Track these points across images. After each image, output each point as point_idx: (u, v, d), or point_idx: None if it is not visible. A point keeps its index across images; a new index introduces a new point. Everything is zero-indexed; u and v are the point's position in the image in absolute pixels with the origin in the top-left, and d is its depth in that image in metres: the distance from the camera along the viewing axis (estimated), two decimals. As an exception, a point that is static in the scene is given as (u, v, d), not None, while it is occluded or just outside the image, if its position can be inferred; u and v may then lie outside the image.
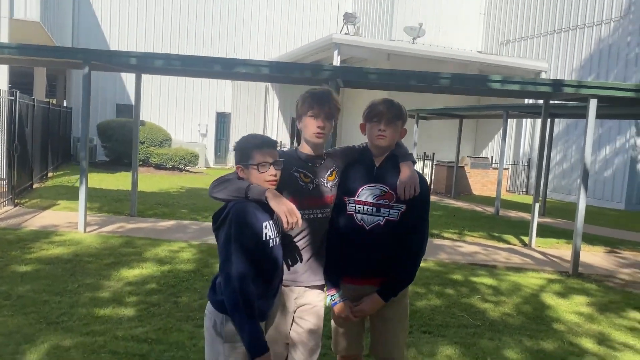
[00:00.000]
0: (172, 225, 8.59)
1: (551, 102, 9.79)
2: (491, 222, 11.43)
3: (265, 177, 2.18)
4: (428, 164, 17.42)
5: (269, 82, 19.84)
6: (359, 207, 2.46)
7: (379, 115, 2.46)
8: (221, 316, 2.13)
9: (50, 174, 14.61)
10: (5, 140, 9.26)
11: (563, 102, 10.56)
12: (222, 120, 23.66)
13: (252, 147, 2.20)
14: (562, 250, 8.69)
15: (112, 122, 18.80)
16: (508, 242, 9.05)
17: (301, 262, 2.42)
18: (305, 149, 2.46)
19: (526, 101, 16.23)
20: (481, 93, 12.77)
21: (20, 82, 23.05)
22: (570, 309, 5.43)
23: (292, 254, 2.40)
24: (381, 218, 2.44)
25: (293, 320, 2.44)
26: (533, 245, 8.81)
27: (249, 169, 2.20)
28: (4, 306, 4.44)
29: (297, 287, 2.43)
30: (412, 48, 17.66)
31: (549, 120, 12.35)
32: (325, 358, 3.45)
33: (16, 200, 9.44)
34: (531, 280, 6.52)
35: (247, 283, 2.06)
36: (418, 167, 15.39)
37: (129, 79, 21.13)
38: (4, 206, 9.05)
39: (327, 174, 2.46)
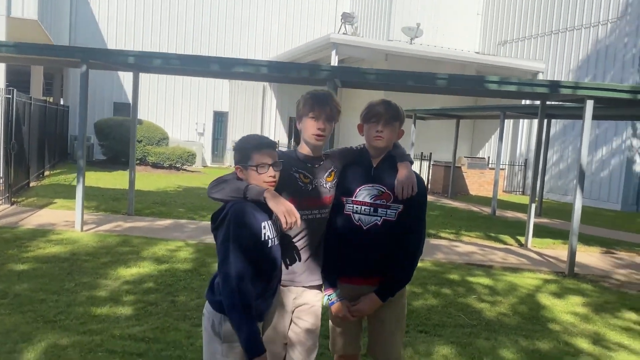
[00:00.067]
0: (169, 224, 8.59)
1: (548, 102, 9.83)
2: (488, 222, 11.47)
3: (264, 178, 2.19)
4: (425, 164, 17.46)
5: (267, 81, 19.83)
6: (357, 207, 2.47)
7: (376, 117, 2.47)
8: (219, 316, 2.14)
9: (47, 173, 14.59)
10: (2, 138, 9.25)
11: (560, 102, 10.60)
12: (220, 119, 23.65)
13: (251, 148, 2.21)
14: (558, 250, 8.73)
15: (110, 120, 18.78)
16: (504, 242, 9.09)
17: (299, 262, 2.43)
18: (305, 149, 2.47)
19: (523, 102, 16.29)
20: (478, 94, 12.82)
21: (17, 80, 22.99)
22: (565, 309, 5.45)
23: (290, 254, 2.42)
24: (379, 218, 2.46)
25: (291, 320, 2.45)
26: (529, 245, 8.84)
27: (248, 169, 2.21)
28: (1, 305, 4.44)
29: (295, 287, 2.44)
30: (410, 48, 17.69)
31: (545, 120, 12.40)
32: (323, 358, 3.46)
33: (13, 199, 9.42)
34: (527, 280, 6.55)
35: (245, 283, 2.07)
36: (415, 167, 15.46)
37: (126, 77, 21.12)
38: (0, 205, 9.04)
39: (326, 174, 2.48)
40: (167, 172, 17.74)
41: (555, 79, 17.63)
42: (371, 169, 2.53)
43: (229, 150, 23.17)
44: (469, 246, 8.52)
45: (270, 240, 2.19)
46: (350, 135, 18.94)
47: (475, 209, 13.69)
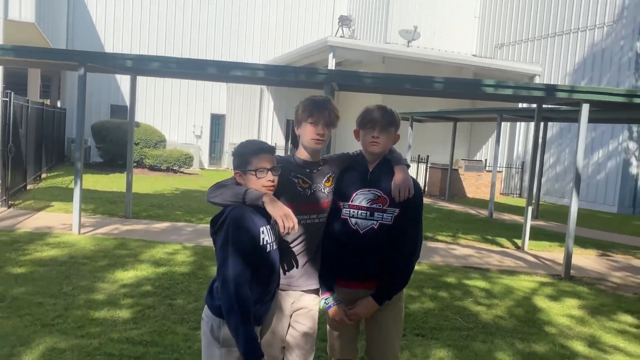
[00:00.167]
0: (166, 227, 8.60)
1: (544, 106, 9.88)
2: (485, 224, 11.50)
3: (263, 183, 2.21)
4: (422, 166, 17.50)
5: (265, 84, 19.87)
6: (353, 212, 2.49)
7: (372, 123, 2.50)
8: (218, 320, 2.16)
9: (44, 175, 14.56)
10: (0, 141, 9.24)
11: (556, 106, 10.65)
12: (217, 122, 23.66)
13: (250, 153, 2.23)
14: (554, 253, 8.76)
15: (107, 123, 18.77)
16: (501, 245, 9.12)
17: (297, 267, 2.45)
18: (303, 154, 2.49)
19: (520, 105, 16.33)
20: (475, 97, 12.87)
21: (14, 82, 22.97)
22: (561, 311, 5.48)
23: (288, 259, 2.43)
24: (375, 222, 2.47)
25: (289, 324, 2.47)
26: (526, 248, 8.87)
27: (247, 174, 2.23)
28: (-2, 308, 4.45)
29: (293, 291, 2.46)
30: (407, 51, 17.74)
31: (542, 123, 12.45)
32: (320, 360, 3.48)
33: (10, 202, 9.41)
34: (524, 283, 6.58)
35: (243, 286, 2.09)
36: (412, 169, 15.40)
37: (123, 80, 21.11)
38: (-3, 207, 9.04)
39: (324, 179, 2.50)
40: (164, 175, 17.73)
41: (551, 82, 17.72)
42: (367, 173, 2.55)
43: (227, 152, 23.19)
44: (465, 249, 8.55)
45: (268, 245, 2.21)
46: (347, 140, 18.97)
47: (472, 211, 13.72)
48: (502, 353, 4.23)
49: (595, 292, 6.38)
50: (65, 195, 10.89)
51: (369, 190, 2.50)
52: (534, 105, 9.82)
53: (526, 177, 18.01)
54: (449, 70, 18.44)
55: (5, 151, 9.22)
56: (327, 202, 2.49)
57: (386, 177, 2.52)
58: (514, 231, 10.50)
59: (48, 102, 24.05)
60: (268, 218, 2.22)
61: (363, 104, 2.62)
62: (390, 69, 17.55)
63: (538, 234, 10.20)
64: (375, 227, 2.47)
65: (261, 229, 2.18)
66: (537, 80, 18.47)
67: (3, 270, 5.53)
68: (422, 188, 17.19)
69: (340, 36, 19.51)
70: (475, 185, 17.59)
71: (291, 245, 2.43)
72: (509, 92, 7.72)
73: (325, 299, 2.53)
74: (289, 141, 22.72)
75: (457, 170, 17.33)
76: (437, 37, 20.92)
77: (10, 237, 6.98)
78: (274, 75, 8.70)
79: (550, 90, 7.80)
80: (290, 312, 2.46)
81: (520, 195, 18.86)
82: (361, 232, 2.48)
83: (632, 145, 15.65)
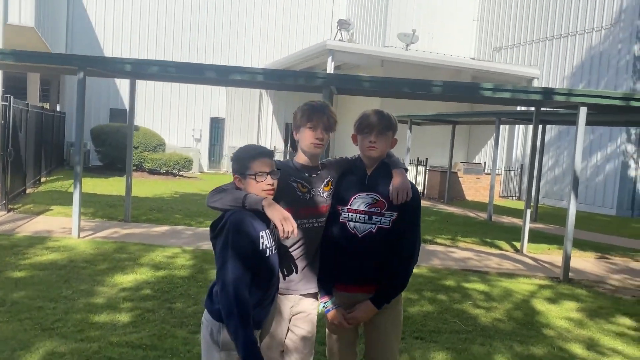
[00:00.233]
0: (166, 230, 8.61)
1: (542, 109, 9.91)
2: (484, 227, 11.52)
3: (262, 187, 2.23)
4: (421, 169, 17.52)
5: (264, 88, 19.90)
6: (352, 216, 2.50)
7: (369, 127, 2.51)
8: (217, 324, 2.17)
9: (43, 179, 14.58)
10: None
11: (554, 109, 10.68)
12: (216, 126, 23.68)
13: (249, 158, 2.25)
14: (553, 256, 8.78)
15: (106, 126, 18.78)
16: (500, 248, 9.13)
17: (296, 271, 2.47)
18: (302, 159, 2.51)
19: (518, 108, 16.37)
20: (473, 100, 12.89)
21: (14, 86, 23.00)
22: (560, 314, 5.50)
23: (287, 263, 2.45)
24: (373, 226, 2.49)
25: (288, 328, 2.48)
26: (525, 251, 8.89)
27: (246, 178, 2.25)
28: (-2, 312, 4.46)
29: (292, 295, 2.48)
30: (406, 54, 17.79)
31: (540, 126, 12.49)
32: (319, 364, 3.49)
33: (9, 206, 9.42)
34: (522, 286, 6.59)
35: (243, 290, 2.10)
36: (411, 172, 15.39)
37: (122, 84, 21.14)
38: (-3, 211, 9.05)
39: (323, 184, 2.52)
40: (163, 178, 17.75)
41: (550, 85, 17.77)
42: (365, 177, 2.57)
43: (226, 156, 23.20)
44: (464, 252, 8.56)
45: (268, 249, 2.23)
46: (346, 144, 18.98)
47: (471, 214, 13.74)
48: (500, 356, 4.24)
49: (593, 295, 6.39)
50: (64, 199, 10.90)
51: (367, 194, 2.52)
52: (532, 108, 9.85)
53: (525, 180, 18.02)
54: (448, 74, 18.48)
55: (5, 155, 9.23)
56: (326, 207, 2.51)
57: (384, 181, 2.53)
58: (512, 234, 10.51)
59: (47, 106, 24.08)
60: (268, 223, 2.24)
61: (362, 108, 2.64)
62: (388, 72, 17.58)
63: (537, 237, 10.22)
64: (374, 230, 2.49)
65: (261, 234, 2.20)
66: (535, 83, 18.52)
67: (3, 274, 5.54)
68: (421, 191, 17.21)
69: (339, 40, 19.55)
70: (474, 188, 17.61)
71: (290, 250, 2.45)
72: (507, 95, 7.74)
73: (324, 303, 2.54)
74: (288, 144, 22.75)
75: (456, 173, 17.36)
76: (435, 40, 20.98)
77: (10, 241, 6.99)
78: (273, 79, 8.73)
79: (548, 93, 7.83)
80: (289, 316, 2.47)
81: (519, 198, 18.88)
82: (360, 236, 2.49)
83: (630, 148, 15.69)
